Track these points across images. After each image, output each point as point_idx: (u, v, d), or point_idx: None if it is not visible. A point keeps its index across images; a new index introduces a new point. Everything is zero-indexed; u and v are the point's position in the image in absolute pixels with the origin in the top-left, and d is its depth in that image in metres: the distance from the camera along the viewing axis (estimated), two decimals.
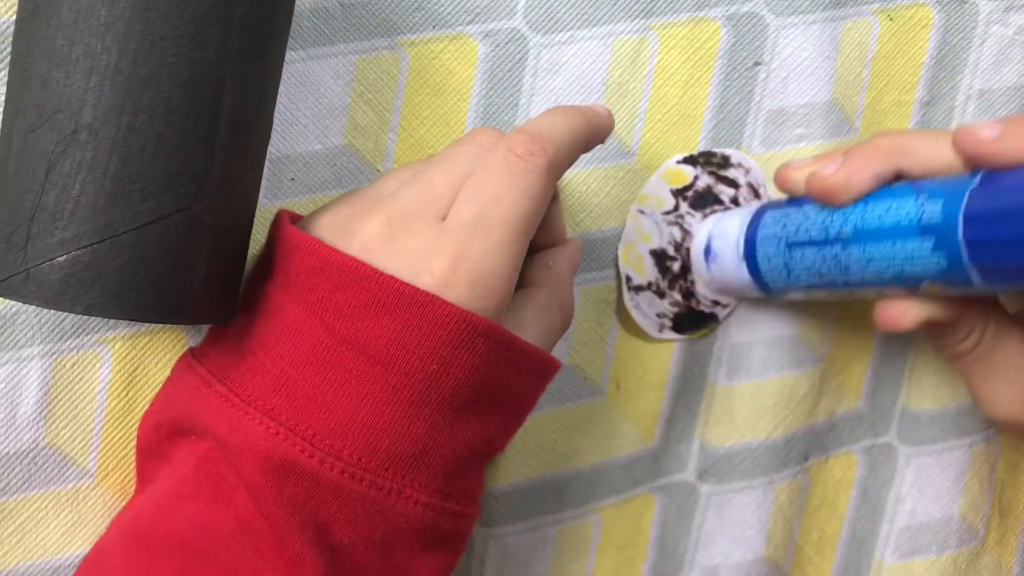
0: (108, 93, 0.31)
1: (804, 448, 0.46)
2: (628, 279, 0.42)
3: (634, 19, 0.42)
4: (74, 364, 0.38)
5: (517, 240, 0.33)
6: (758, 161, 0.44)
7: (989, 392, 0.37)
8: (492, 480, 0.43)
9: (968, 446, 0.48)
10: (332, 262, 0.33)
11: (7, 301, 0.37)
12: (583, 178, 0.42)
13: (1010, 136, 0.32)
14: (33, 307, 0.37)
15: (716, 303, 0.43)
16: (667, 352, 0.44)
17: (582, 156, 0.38)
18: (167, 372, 0.39)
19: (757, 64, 0.43)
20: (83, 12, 0.30)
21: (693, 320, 0.43)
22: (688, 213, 0.42)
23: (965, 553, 0.49)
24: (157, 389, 0.39)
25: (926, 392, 0.48)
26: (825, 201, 0.36)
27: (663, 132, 0.43)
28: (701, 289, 0.43)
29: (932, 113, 0.46)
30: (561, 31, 0.41)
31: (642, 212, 0.42)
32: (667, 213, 0.42)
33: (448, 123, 0.41)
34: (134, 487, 0.38)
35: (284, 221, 0.35)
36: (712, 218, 0.42)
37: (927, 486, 0.48)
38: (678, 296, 0.43)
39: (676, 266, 0.43)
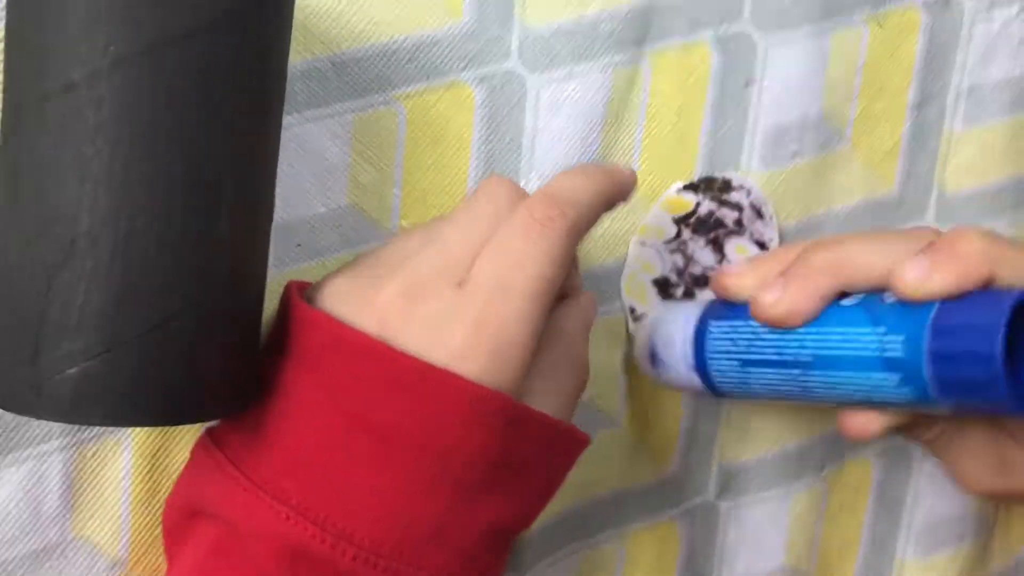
0: (103, 198, 0.27)
1: (819, 457, 0.43)
2: (632, 310, 0.39)
3: (627, 49, 0.38)
4: (95, 453, 0.35)
5: (537, 308, 0.30)
6: (758, 181, 0.40)
7: (960, 472, 0.35)
8: None
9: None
10: (344, 339, 0.29)
11: None
12: None
13: (935, 276, 0.30)
14: None
15: None
16: None
17: None
18: (188, 452, 0.35)
19: (748, 83, 0.40)
20: (70, 117, 0.27)
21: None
22: (691, 239, 0.39)
23: (980, 542, 0.46)
24: (180, 470, 0.35)
25: None
26: (773, 327, 0.33)
27: (660, 160, 0.39)
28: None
29: (924, 115, 0.42)
30: (559, 67, 0.37)
31: (643, 243, 0.39)
32: (669, 242, 0.39)
33: (451, 172, 0.37)
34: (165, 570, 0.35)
35: (294, 295, 0.32)
36: (649, 321, 0.38)
37: (944, 481, 0.45)
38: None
39: (679, 292, 0.39)
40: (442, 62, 0.36)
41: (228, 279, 0.29)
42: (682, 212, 0.39)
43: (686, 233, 0.39)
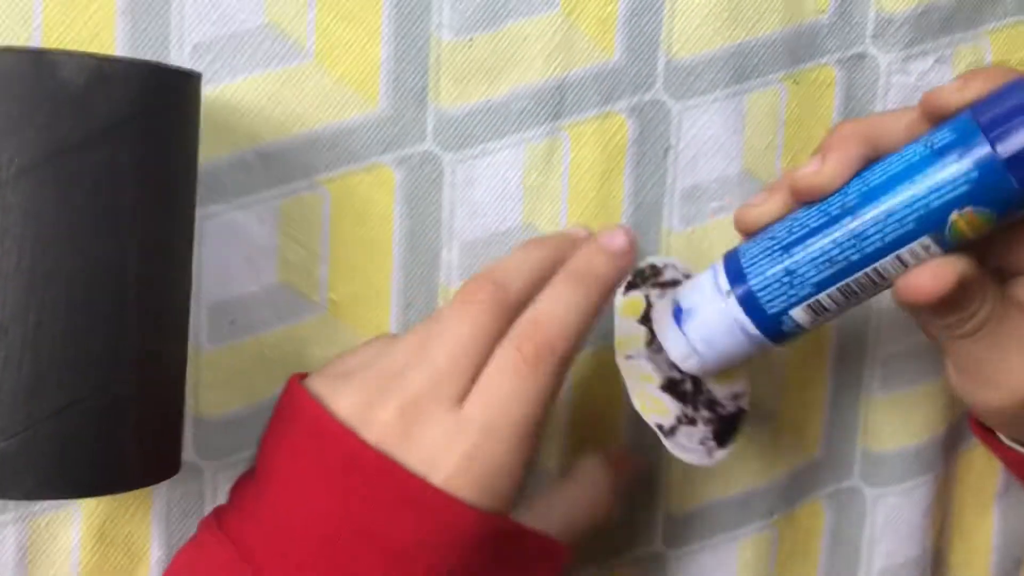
0: (12, 294, 0.29)
1: (767, 504, 0.43)
2: (660, 427, 0.36)
3: (542, 124, 0.40)
4: (48, 524, 0.37)
5: (526, 441, 0.31)
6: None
7: (1000, 369, 0.32)
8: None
9: (932, 480, 0.45)
10: (361, 456, 0.31)
11: None
12: None
13: (970, 86, 0.30)
14: None
15: (733, 396, 0.37)
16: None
17: None
18: (133, 523, 0.37)
19: (668, 149, 0.41)
20: None
21: (727, 426, 0.37)
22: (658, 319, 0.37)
23: None
24: (128, 543, 0.38)
25: (884, 433, 0.45)
26: (816, 198, 0.32)
27: (587, 222, 0.41)
28: (715, 389, 0.37)
29: None
30: (472, 146, 0.39)
31: (629, 357, 0.37)
32: (650, 344, 0.37)
33: (376, 247, 0.39)
34: None
35: (305, 397, 0.32)
36: (665, 299, 0.37)
37: (900, 525, 0.45)
38: (706, 412, 0.37)
39: (688, 384, 0.37)
40: (362, 147, 0.38)
41: (137, 362, 0.31)
42: (639, 311, 0.38)
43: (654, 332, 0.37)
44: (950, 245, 0.30)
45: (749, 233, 0.35)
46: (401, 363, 0.32)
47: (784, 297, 0.32)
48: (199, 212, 0.36)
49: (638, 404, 0.36)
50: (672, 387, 0.37)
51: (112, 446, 0.31)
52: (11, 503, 0.36)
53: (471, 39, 0.39)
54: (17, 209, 0.29)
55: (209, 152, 0.37)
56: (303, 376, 0.34)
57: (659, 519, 0.43)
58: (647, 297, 0.37)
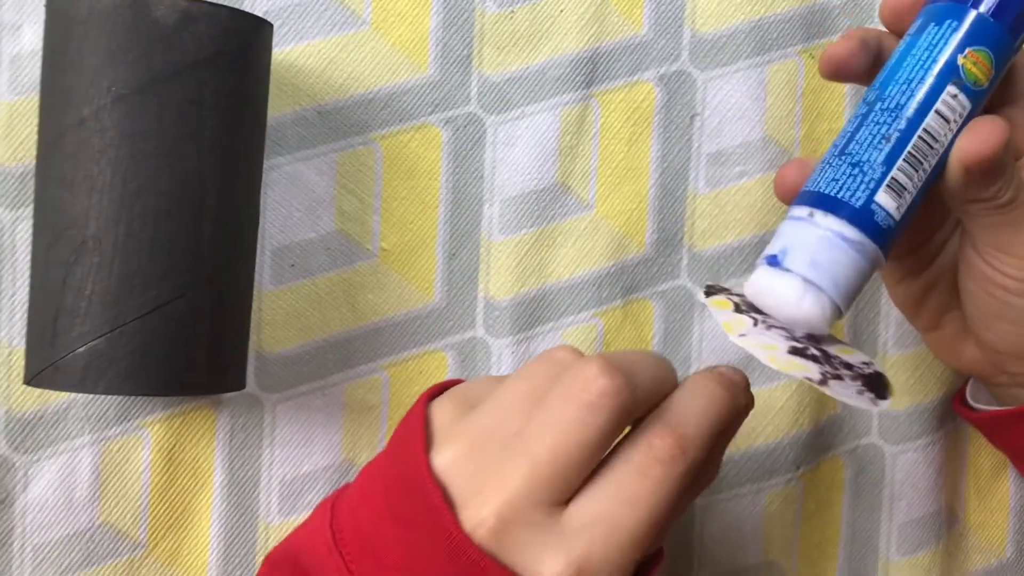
0: (106, 207, 0.33)
1: (793, 457, 0.46)
2: (810, 380, 0.33)
3: (576, 90, 0.43)
4: (120, 448, 0.40)
5: (640, 547, 0.29)
6: (705, 200, 0.44)
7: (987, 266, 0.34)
8: None
9: (944, 436, 0.47)
10: (464, 550, 0.29)
11: (59, 398, 0.39)
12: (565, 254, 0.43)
13: None
14: (81, 400, 0.39)
15: (863, 363, 0.35)
16: None
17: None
18: (199, 447, 0.40)
19: (694, 116, 0.44)
20: (82, 144, 0.33)
21: (876, 382, 0.34)
22: (759, 319, 0.35)
23: (954, 537, 0.47)
24: (194, 465, 0.40)
25: (900, 392, 0.47)
26: (841, 71, 0.35)
27: (615, 184, 0.44)
28: (843, 356, 0.35)
29: None
30: (512, 109, 0.43)
31: (742, 336, 0.34)
32: (756, 324, 0.34)
33: (423, 200, 0.42)
34: (181, 554, 0.40)
35: (418, 447, 0.31)
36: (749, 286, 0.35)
37: (919, 481, 0.47)
38: (846, 371, 0.34)
39: (814, 350, 0.34)
40: (412, 107, 0.42)
41: (213, 274, 0.35)
42: (730, 306, 0.36)
43: (756, 315, 0.35)
44: (971, 91, 0.34)
45: (787, 194, 0.36)
46: (511, 429, 0.31)
47: (862, 187, 0.33)
48: (264, 163, 0.39)
49: (775, 365, 0.33)
50: (800, 352, 0.34)
51: (187, 350, 0.34)
52: (87, 426, 0.39)
53: (512, 11, 0.43)
54: (113, 131, 0.33)
55: (274, 109, 0.41)
56: (437, 391, 0.34)
57: None
58: (728, 297, 0.36)
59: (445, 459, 0.30)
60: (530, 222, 0.43)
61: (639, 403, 0.31)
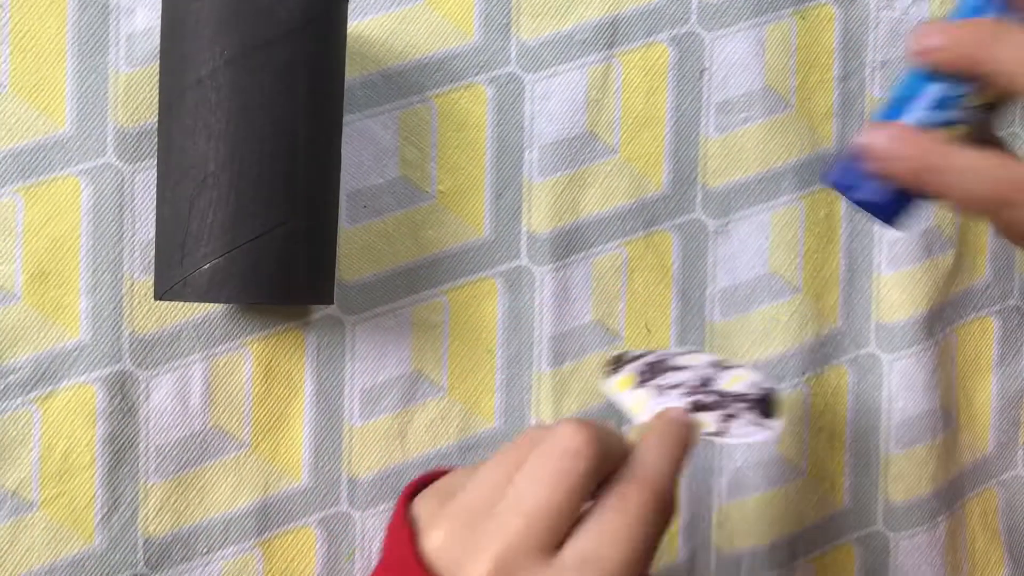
0: (221, 150, 0.40)
1: (799, 364, 0.52)
2: (711, 435, 0.40)
3: (600, 51, 0.50)
4: (226, 363, 0.47)
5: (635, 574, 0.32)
6: (715, 143, 0.52)
7: None
8: None
9: (935, 345, 0.54)
10: None
11: (174, 321, 0.47)
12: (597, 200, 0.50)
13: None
14: (192, 322, 0.47)
15: (751, 385, 0.41)
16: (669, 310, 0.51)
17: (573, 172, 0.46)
18: (292, 362, 0.48)
19: (702, 72, 0.52)
20: (201, 99, 0.41)
21: (765, 404, 0.41)
22: (657, 385, 0.42)
23: (950, 434, 0.54)
24: (288, 376, 0.48)
25: (893, 307, 0.54)
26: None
27: (636, 131, 0.51)
28: (734, 388, 0.41)
29: (848, 85, 0.53)
30: (546, 68, 0.50)
31: (642, 415, 0.40)
32: (657, 394, 0.41)
33: (473, 148, 0.50)
34: (279, 451, 0.47)
35: (403, 535, 0.34)
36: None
37: (914, 383, 0.53)
38: (739, 404, 0.41)
39: (709, 397, 0.40)
40: (461, 69, 0.49)
41: (307, 207, 0.42)
42: (632, 382, 0.42)
43: (649, 386, 0.41)
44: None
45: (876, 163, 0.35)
46: (492, 495, 0.33)
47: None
48: None
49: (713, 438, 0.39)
50: (698, 407, 0.40)
51: (289, 267, 0.41)
52: (198, 345, 0.47)
53: None
54: (225, 88, 0.40)
55: (346, 73, 0.48)
56: (415, 488, 0.37)
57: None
58: (634, 371, 0.42)
59: (434, 542, 0.33)
60: (564, 166, 0.50)
61: (610, 453, 0.34)
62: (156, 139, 0.46)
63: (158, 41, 0.46)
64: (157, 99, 0.46)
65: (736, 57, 0.52)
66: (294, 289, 0.42)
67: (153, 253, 0.47)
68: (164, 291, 0.41)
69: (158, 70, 0.46)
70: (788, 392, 0.52)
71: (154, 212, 0.47)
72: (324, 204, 0.43)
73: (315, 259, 0.43)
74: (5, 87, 0.45)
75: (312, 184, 0.42)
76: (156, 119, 0.46)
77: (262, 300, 0.41)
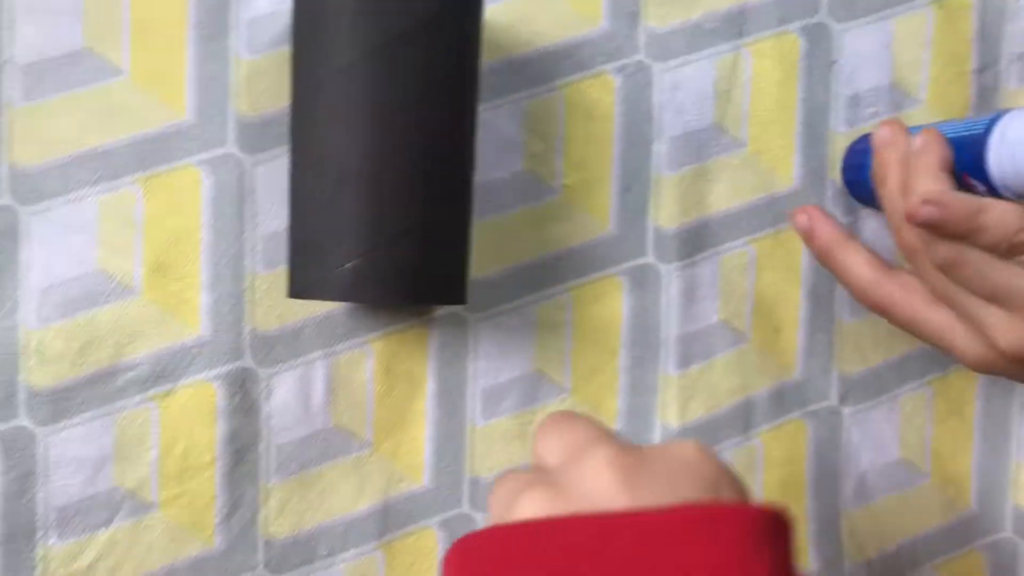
0: (363, 143, 0.39)
1: (921, 366, 0.51)
2: None
3: (729, 41, 0.49)
4: (347, 361, 0.46)
5: None
6: (843, 138, 0.50)
7: None
8: None
9: (901, 394, 0.52)
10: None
11: (295, 319, 0.45)
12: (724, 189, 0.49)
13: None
14: (313, 320, 0.45)
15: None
16: (797, 294, 0.50)
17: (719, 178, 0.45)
18: (414, 360, 0.46)
19: (832, 63, 0.50)
20: (340, 91, 0.39)
21: None
22: None
23: (920, 488, 0.53)
24: (410, 375, 0.46)
25: (856, 357, 0.52)
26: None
27: (766, 124, 0.49)
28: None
29: (984, 79, 0.51)
30: (675, 58, 0.48)
31: None
32: None
33: (600, 141, 0.48)
34: (401, 451, 0.46)
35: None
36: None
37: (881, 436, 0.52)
38: None
39: None
40: (589, 58, 0.48)
41: (446, 201, 0.40)
42: None
43: None
44: None
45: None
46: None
47: None
48: None
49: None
50: None
51: (430, 265, 0.40)
52: (319, 343, 0.45)
53: None
54: (365, 80, 0.39)
55: None
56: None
57: (833, 378, 0.50)
58: None
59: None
60: (692, 159, 0.48)
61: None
62: (283, 129, 0.45)
63: (280, 27, 0.45)
64: (283, 88, 0.44)
65: (866, 50, 0.50)
66: (433, 288, 0.40)
67: (275, 247, 0.45)
68: (302, 289, 0.40)
69: (286, 58, 0.44)
70: (905, 397, 0.51)
71: (276, 205, 0.45)
72: (461, 200, 0.41)
73: (452, 258, 0.41)
74: (125, 75, 0.44)
75: (450, 179, 0.41)
76: (279, 108, 0.45)
77: (403, 301, 0.39)
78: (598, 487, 0.28)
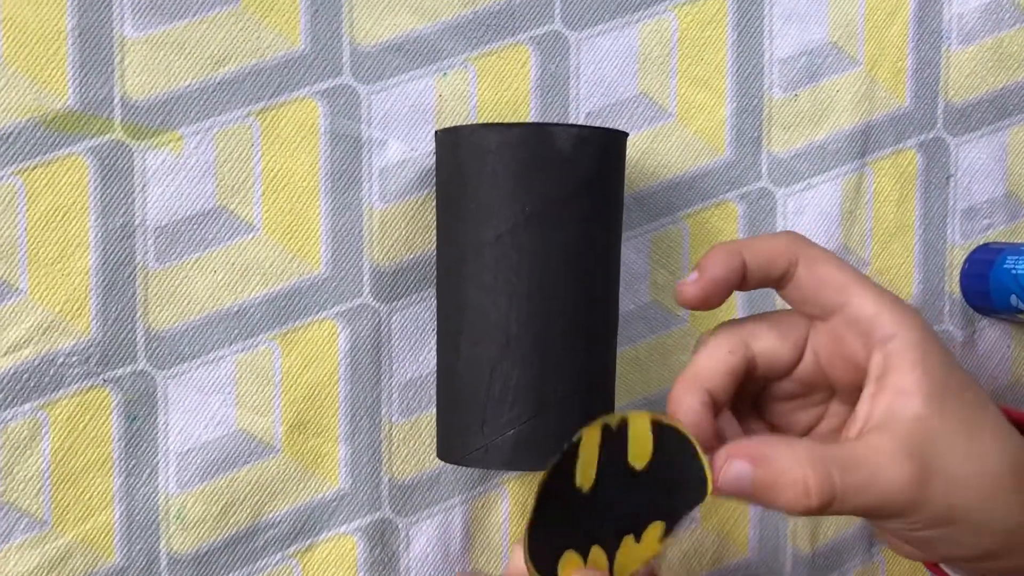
0: (524, 309, 0.38)
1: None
2: None
3: (853, 160, 0.48)
4: (483, 504, 0.46)
5: None
6: (960, 251, 0.50)
7: None
8: None
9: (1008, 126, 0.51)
10: None
11: (433, 466, 0.45)
12: None
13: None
14: (451, 466, 0.45)
15: None
16: None
17: None
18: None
19: (949, 177, 0.50)
20: (501, 256, 0.38)
21: None
22: None
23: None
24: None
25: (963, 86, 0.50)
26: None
27: (887, 242, 0.49)
28: None
29: None
30: (799, 182, 0.48)
31: None
32: None
33: None
34: None
35: None
36: None
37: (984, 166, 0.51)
38: None
39: None
40: (712, 187, 0.47)
41: (601, 360, 0.40)
42: None
43: None
44: None
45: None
46: None
47: None
48: None
49: None
50: None
51: (584, 425, 0.40)
52: (457, 488, 0.45)
53: (796, 95, 0.48)
54: (527, 245, 0.38)
55: None
56: None
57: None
58: None
59: None
60: None
61: None
62: (417, 276, 0.44)
63: (412, 174, 0.44)
64: (417, 235, 0.44)
65: (980, 163, 0.50)
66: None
67: (412, 394, 0.44)
68: (463, 456, 0.39)
69: (418, 205, 0.44)
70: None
71: (412, 352, 0.44)
72: (613, 354, 0.41)
73: (605, 411, 0.41)
74: (259, 230, 0.43)
75: (604, 335, 0.40)
76: (414, 255, 0.44)
77: None
78: None
